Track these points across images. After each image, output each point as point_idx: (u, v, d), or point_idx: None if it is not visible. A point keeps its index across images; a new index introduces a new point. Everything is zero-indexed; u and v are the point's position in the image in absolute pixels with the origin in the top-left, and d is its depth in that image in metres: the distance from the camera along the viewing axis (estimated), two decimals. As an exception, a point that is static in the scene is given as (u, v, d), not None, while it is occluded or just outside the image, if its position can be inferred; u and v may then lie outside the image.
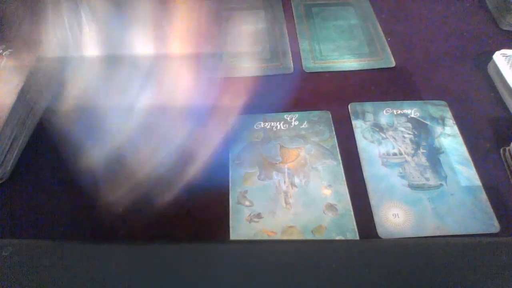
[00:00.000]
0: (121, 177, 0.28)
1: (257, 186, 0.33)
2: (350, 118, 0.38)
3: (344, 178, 0.33)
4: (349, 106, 0.39)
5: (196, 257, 0.24)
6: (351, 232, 0.30)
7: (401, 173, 0.33)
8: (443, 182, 0.33)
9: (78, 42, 0.27)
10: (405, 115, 0.38)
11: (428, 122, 0.37)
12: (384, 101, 0.39)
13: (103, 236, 0.31)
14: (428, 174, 0.33)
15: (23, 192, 0.34)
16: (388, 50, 0.45)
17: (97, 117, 0.28)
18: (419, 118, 0.37)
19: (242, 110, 0.39)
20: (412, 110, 0.38)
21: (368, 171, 0.34)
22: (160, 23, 0.28)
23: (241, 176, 0.34)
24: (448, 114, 0.37)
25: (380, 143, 0.35)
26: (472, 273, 0.23)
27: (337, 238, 0.30)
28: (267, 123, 0.37)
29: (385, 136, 0.36)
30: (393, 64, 0.43)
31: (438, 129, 0.36)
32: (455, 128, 0.36)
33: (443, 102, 0.39)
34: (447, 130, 0.36)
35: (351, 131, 0.37)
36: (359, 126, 0.37)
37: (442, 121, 0.37)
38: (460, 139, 0.36)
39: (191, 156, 0.29)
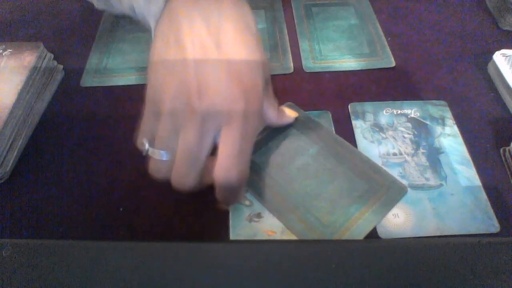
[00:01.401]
0: None
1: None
2: (350, 118, 0.38)
3: (344, 178, 0.33)
4: (349, 106, 0.39)
5: (196, 257, 0.24)
6: (351, 232, 0.30)
7: (401, 173, 0.33)
8: (443, 182, 0.33)
9: None
10: (405, 115, 0.38)
11: (428, 122, 0.37)
12: (384, 101, 0.39)
13: (103, 236, 0.31)
14: (428, 174, 0.33)
15: (23, 192, 0.34)
16: (388, 50, 0.45)
17: None
18: (419, 118, 0.37)
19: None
20: (412, 110, 0.38)
21: (368, 171, 0.34)
22: None
23: (241, 176, 0.33)
24: (448, 114, 0.38)
25: (380, 143, 0.35)
26: (472, 273, 0.23)
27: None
28: (267, 123, 0.37)
29: (385, 136, 0.36)
30: (393, 64, 0.43)
31: (438, 129, 0.36)
32: (455, 128, 0.36)
33: (443, 102, 0.39)
34: (447, 130, 0.36)
35: (351, 131, 0.37)
36: (359, 126, 0.37)
37: (442, 121, 0.37)
38: (460, 139, 0.36)
39: None
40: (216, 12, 0.25)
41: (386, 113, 0.38)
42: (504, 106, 0.39)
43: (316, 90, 0.41)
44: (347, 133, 0.36)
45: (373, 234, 0.30)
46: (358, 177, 0.32)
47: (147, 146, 0.26)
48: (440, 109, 0.38)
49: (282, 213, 0.31)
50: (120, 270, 0.23)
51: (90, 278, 0.23)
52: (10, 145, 0.35)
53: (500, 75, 0.39)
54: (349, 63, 0.43)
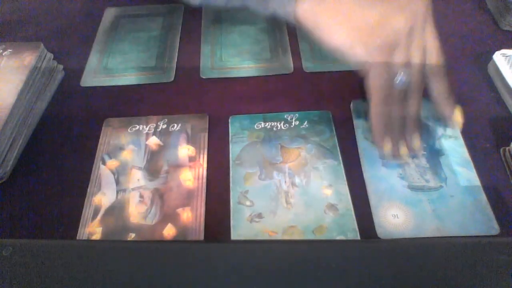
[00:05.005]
0: None
1: (258, 186, 0.33)
2: (350, 118, 0.38)
3: (344, 178, 0.33)
4: (351, 104, 0.38)
5: (197, 257, 0.24)
6: (352, 232, 0.30)
7: (401, 174, 0.33)
8: (443, 184, 0.33)
9: None
10: (408, 114, 0.37)
11: (430, 123, 0.37)
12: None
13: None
14: (428, 176, 0.33)
15: (23, 192, 0.34)
16: (388, 50, 0.45)
17: None
18: (421, 118, 0.37)
19: (243, 110, 0.39)
20: (415, 109, 0.37)
21: (368, 172, 0.34)
22: None
23: (242, 176, 0.34)
24: None
25: (380, 143, 0.35)
26: (472, 273, 0.23)
27: (338, 238, 0.30)
28: (267, 123, 0.37)
29: (386, 137, 0.36)
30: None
31: (440, 131, 0.36)
32: (457, 129, 0.36)
33: None
34: (449, 131, 0.36)
35: (352, 131, 0.37)
36: (360, 126, 0.37)
37: (444, 122, 0.37)
38: (461, 140, 0.35)
39: None
40: None
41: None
42: (504, 106, 0.39)
43: (316, 90, 0.41)
44: (348, 134, 0.36)
45: (372, 234, 0.30)
46: None
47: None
48: None
49: None
50: (120, 270, 0.23)
51: (90, 278, 0.23)
52: (10, 145, 0.34)
53: (500, 75, 0.39)
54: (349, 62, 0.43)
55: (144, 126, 0.37)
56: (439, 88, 0.32)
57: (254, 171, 0.34)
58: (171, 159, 0.35)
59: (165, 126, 0.37)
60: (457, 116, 0.33)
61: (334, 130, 0.37)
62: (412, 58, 0.31)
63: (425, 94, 0.39)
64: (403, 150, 0.33)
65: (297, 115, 0.38)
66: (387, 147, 0.32)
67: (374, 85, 0.31)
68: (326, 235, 0.30)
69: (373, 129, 0.33)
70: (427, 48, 0.31)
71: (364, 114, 0.37)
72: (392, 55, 0.30)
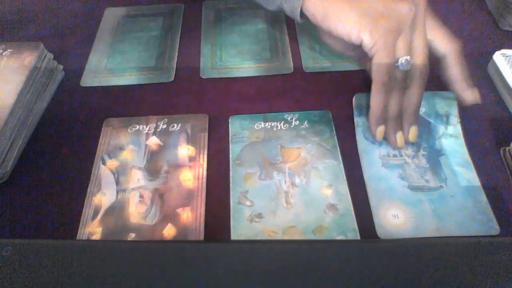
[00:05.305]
0: None
1: (258, 186, 0.33)
2: (350, 118, 0.38)
3: (344, 178, 0.33)
4: (353, 98, 0.38)
5: (197, 257, 0.24)
6: (352, 232, 0.30)
7: (401, 174, 0.33)
8: (443, 184, 0.33)
9: None
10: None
11: (431, 121, 0.37)
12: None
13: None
14: (428, 176, 0.33)
15: (23, 192, 0.34)
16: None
17: None
18: (423, 115, 0.37)
19: (243, 110, 0.39)
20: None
21: (368, 172, 0.34)
22: None
23: (242, 176, 0.34)
24: (455, 111, 0.37)
25: (380, 144, 0.35)
26: (472, 273, 0.23)
27: (338, 238, 0.30)
28: (267, 123, 0.37)
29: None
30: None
31: (441, 129, 0.36)
32: (459, 127, 0.36)
33: (451, 95, 0.37)
34: (450, 130, 0.36)
35: (352, 131, 0.37)
36: (360, 124, 0.37)
37: (446, 119, 0.37)
38: (461, 140, 0.35)
39: None
40: None
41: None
42: (504, 106, 0.39)
43: (317, 90, 0.41)
44: (348, 134, 0.36)
45: (372, 234, 0.30)
46: None
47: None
48: (447, 104, 0.37)
49: None
50: (120, 270, 0.23)
51: (90, 278, 0.23)
52: (10, 145, 0.34)
53: (500, 75, 0.39)
54: (349, 62, 0.43)
55: (144, 126, 0.37)
56: (457, 66, 0.34)
57: (254, 171, 0.34)
58: (171, 159, 0.35)
59: (165, 126, 0.37)
60: (475, 92, 0.34)
61: (334, 130, 0.37)
62: (414, 45, 0.33)
63: (428, 88, 0.39)
64: (400, 139, 0.34)
65: (297, 115, 0.38)
66: (381, 131, 0.34)
67: (378, 68, 0.32)
68: (326, 235, 0.30)
69: (371, 113, 0.33)
70: (436, 36, 0.33)
71: (366, 111, 0.37)
72: (396, 41, 0.32)
